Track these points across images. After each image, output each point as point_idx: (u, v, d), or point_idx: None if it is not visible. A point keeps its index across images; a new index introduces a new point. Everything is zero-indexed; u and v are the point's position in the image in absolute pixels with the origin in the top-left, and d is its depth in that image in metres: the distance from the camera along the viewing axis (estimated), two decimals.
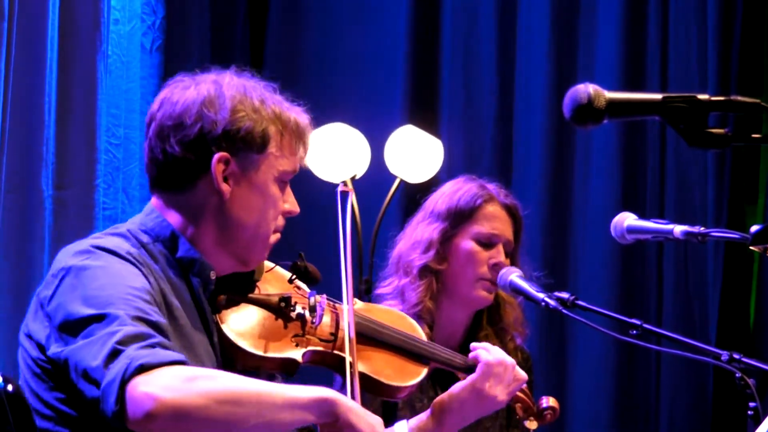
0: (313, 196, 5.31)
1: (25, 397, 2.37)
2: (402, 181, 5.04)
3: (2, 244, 4.44)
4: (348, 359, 2.62)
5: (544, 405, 3.05)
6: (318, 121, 5.07)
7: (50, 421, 2.43)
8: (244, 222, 2.59)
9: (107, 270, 2.42)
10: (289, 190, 2.66)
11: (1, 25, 4.39)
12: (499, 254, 3.56)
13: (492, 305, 3.63)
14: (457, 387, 2.96)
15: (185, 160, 2.56)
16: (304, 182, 5.25)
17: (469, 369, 3.00)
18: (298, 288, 2.75)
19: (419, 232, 3.61)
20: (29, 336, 2.46)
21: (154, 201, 2.64)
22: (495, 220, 3.59)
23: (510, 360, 2.98)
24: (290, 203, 2.66)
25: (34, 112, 4.54)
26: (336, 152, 4.92)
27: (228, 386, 2.28)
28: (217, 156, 2.55)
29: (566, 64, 5.26)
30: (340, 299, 2.73)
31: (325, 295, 2.73)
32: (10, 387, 2.37)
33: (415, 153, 5.01)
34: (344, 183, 2.73)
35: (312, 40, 5.80)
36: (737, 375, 2.73)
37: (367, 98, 5.60)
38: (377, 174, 5.06)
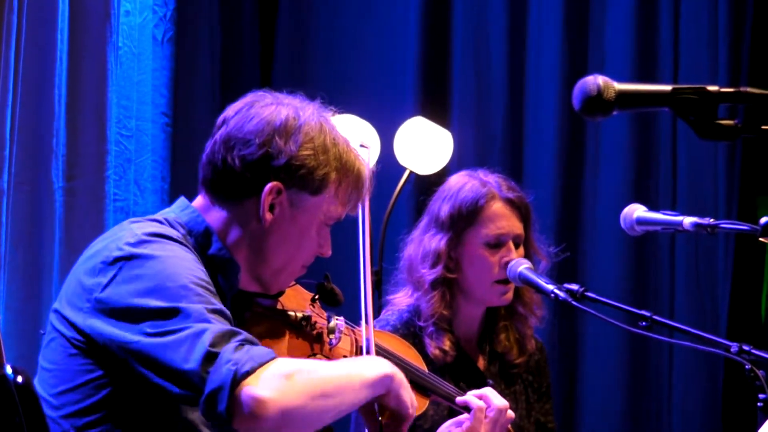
0: None
1: (33, 389, 2.38)
2: (412, 173, 5.04)
3: (13, 236, 4.44)
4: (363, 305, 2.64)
5: None
6: (332, 107, 5.10)
7: (73, 404, 2.44)
8: (275, 255, 2.61)
9: (170, 259, 2.42)
10: (327, 232, 2.67)
11: (11, 17, 4.39)
12: (509, 252, 3.54)
13: None
14: (451, 430, 3.02)
15: (241, 176, 2.57)
16: None
17: (465, 407, 3.02)
18: (314, 307, 2.76)
19: (426, 244, 3.60)
20: (64, 318, 2.46)
21: (199, 198, 2.64)
22: (499, 219, 3.57)
23: (503, 403, 3.01)
24: (325, 247, 2.67)
25: (44, 104, 4.54)
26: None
27: (319, 377, 2.35)
28: (271, 184, 2.56)
29: (577, 56, 5.25)
30: (356, 316, 2.73)
31: (343, 318, 2.74)
32: (20, 378, 2.38)
33: (424, 144, 5.00)
34: (362, 141, 2.74)
35: (322, 32, 5.80)
36: (747, 366, 2.73)
37: (378, 90, 5.60)
38: (387, 166, 5.05)
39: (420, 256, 3.60)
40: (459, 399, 3.01)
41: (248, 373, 2.26)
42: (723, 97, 1.99)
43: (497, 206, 3.57)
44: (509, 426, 3.08)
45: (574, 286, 3.16)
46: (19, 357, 4.20)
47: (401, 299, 3.63)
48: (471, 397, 3.00)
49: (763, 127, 2.04)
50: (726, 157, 4.88)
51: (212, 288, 2.42)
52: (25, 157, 4.47)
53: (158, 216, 2.61)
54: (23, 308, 4.41)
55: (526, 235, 3.62)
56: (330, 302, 2.77)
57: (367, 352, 2.68)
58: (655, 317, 2.94)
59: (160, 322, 2.33)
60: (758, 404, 2.69)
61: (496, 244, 3.55)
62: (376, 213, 5.01)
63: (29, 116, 4.49)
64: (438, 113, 5.32)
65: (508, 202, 3.58)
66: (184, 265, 2.42)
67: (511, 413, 3.03)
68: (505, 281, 3.51)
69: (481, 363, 3.61)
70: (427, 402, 2.90)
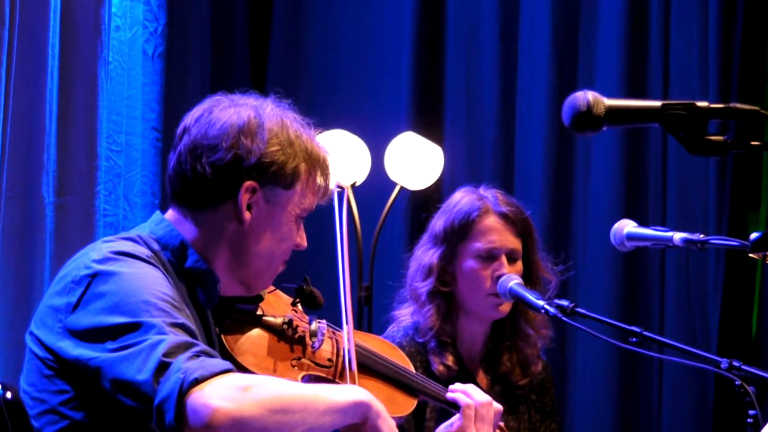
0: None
1: (23, 405, 2.37)
2: (402, 188, 5.04)
3: (3, 251, 4.43)
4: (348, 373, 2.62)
5: None
6: (319, 127, 5.12)
7: (51, 424, 2.43)
8: (259, 252, 2.61)
9: (135, 276, 2.42)
10: (302, 225, 2.68)
11: (1, 32, 4.39)
12: (502, 266, 3.55)
13: (512, 313, 3.62)
14: (446, 430, 2.99)
15: (214, 182, 2.57)
16: None
17: (453, 404, 2.99)
18: (296, 311, 2.76)
19: (421, 256, 3.63)
20: (40, 340, 2.46)
21: (169, 212, 2.64)
22: (491, 233, 3.58)
23: (488, 398, 2.99)
24: (301, 238, 2.68)
25: (35, 119, 4.53)
26: (336, 159, 4.92)
27: (279, 393, 2.30)
28: (246, 184, 2.57)
29: (567, 72, 5.26)
30: (339, 320, 2.73)
31: (325, 321, 2.74)
32: (9, 394, 2.38)
33: (415, 160, 5.01)
34: (338, 181, 2.74)
35: (314, 47, 5.80)
36: (737, 383, 2.73)
37: (369, 105, 5.60)
38: (378, 181, 5.06)
39: (415, 269, 3.63)
40: (449, 396, 2.98)
41: (197, 381, 2.22)
42: (713, 112, 1.99)
43: (490, 220, 3.58)
44: (501, 424, 3.05)
45: (565, 302, 3.16)
46: (8, 373, 4.19)
47: (405, 315, 3.64)
48: (459, 394, 2.97)
49: (753, 142, 2.05)
50: (716, 173, 4.88)
51: (177, 303, 2.40)
52: (15, 172, 4.47)
53: (131, 233, 2.61)
54: (13, 323, 4.40)
55: (528, 254, 3.62)
56: (310, 305, 2.77)
57: (348, 354, 2.66)
58: (645, 333, 2.94)
59: (121, 338, 2.32)
60: (748, 420, 2.69)
61: (488, 257, 3.56)
62: (367, 228, 5.02)
63: (20, 132, 4.48)
64: (429, 128, 5.33)
65: (502, 216, 3.59)
66: (147, 281, 2.41)
67: (498, 406, 2.99)
68: (498, 294, 3.51)
69: (484, 382, 3.61)
70: (416, 402, 2.88)
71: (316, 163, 2.65)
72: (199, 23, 5.37)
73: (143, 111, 4.94)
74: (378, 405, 2.42)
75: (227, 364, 2.28)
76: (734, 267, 4.86)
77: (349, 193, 4.94)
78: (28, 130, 4.52)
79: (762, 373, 2.73)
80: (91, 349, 2.34)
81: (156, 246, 2.58)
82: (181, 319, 2.35)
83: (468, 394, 2.97)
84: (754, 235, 2.25)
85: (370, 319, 4.90)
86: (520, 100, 5.36)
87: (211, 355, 2.30)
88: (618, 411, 5.05)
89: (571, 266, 5.05)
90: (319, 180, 2.66)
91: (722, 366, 2.78)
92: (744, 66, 4.90)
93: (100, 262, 2.44)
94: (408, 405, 2.85)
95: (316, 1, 5.85)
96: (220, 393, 2.22)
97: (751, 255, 2.27)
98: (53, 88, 4.58)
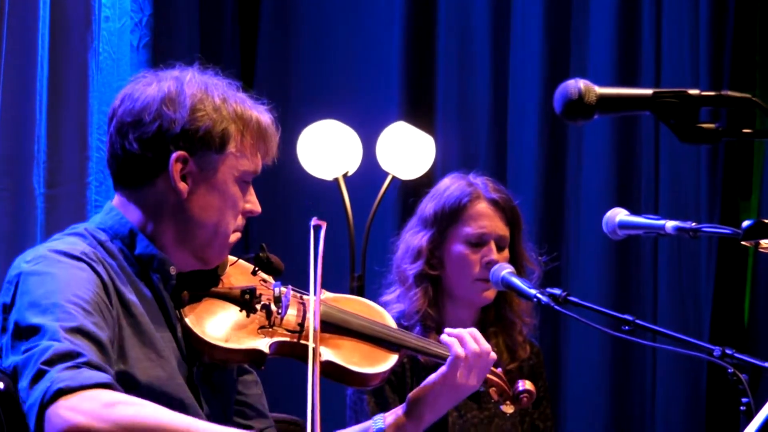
0: (298, 192, 5.33)
1: (18, 395, 2.36)
2: (394, 178, 5.03)
3: None
4: (311, 345, 2.59)
5: (520, 388, 3.02)
6: (310, 117, 5.11)
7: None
8: (203, 221, 2.58)
9: (55, 276, 2.41)
10: (251, 189, 2.65)
11: None
12: (490, 252, 3.56)
13: (498, 300, 3.62)
14: (430, 380, 2.89)
15: (143, 158, 2.56)
16: (293, 178, 5.25)
17: (441, 356, 2.91)
18: (264, 281, 2.74)
19: (410, 239, 3.63)
20: None
21: (115, 198, 2.64)
22: (481, 219, 3.59)
23: (485, 346, 2.90)
24: (251, 203, 2.65)
25: (26, 111, 4.52)
26: (328, 149, 4.92)
27: (145, 417, 2.25)
28: (174, 155, 2.55)
29: (559, 61, 5.25)
30: (307, 290, 2.69)
31: (290, 286, 2.72)
32: (1, 385, 2.37)
33: (407, 149, 5.00)
34: (316, 218, 2.69)
35: (304, 36, 5.79)
36: (730, 370, 2.73)
37: (360, 95, 5.60)
38: (369, 171, 5.05)
39: (403, 252, 3.62)
40: (442, 338, 2.89)
41: (62, 392, 2.20)
42: (704, 100, 1.99)
43: (481, 206, 3.59)
44: (494, 368, 2.97)
45: (557, 291, 3.15)
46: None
47: (392, 300, 3.63)
48: (452, 339, 2.88)
49: (745, 130, 2.04)
50: (708, 161, 4.88)
51: (91, 306, 2.38)
52: (6, 163, 4.46)
53: (80, 227, 2.60)
54: None
55: (515, 243, 3.63)
56: (270, 272, 2.74)
57: (314, 315, 2.60)
58: (638, 321, 2.94)
59: (29, 339, 2.31)
60: (741, 408, 2.68)
61: (478, 242, 3.57)
62: (359, 218, 5.02)
63: (10, 123, 4.48)
64: (421, 118, 5.32)
65: (493, 203, 3.60)
66: (66, 282, 2.40)
67: (493, 355, 2.90)
68: (486, 280, 3.51)
69: None
70: (396, 356, 2.84)
71: (248, 123, 2.60)
72: (186, 14, 5.35)
73: None
74: None
75: (103, 378, 2.26)
76: (726, 255, 4.86)
77: (341, 184, 4.94)
78: (18, 122, 4.51)
79: (754, 361, 2.73)
80: (13, 352, 2.34)
81: (103, 236, 2.57)
82: (86, 324, 2.33)
83: (462, 340, 2.89)
84: (746, 223, 2.24)
85: None
86: (512, 89, 5.35)
87: (96, 367, 2.27)
88: (611, 400, 5.06)
89: (557, 257, 5.06)
90: (255, 140, 2.61)
91: (715, 354, 2.78)
92: (735, 54, 4.90)
93: (29, 261, 2.46)
94: (387, 359, 2.80)
95: None
96: (80, 406, 2.20)
97: (743, 243, 2.27)
98: (43, 79, 4.57)
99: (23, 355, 2.31)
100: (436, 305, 3.59)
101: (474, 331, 2.93)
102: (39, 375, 2.24)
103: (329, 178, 4.94)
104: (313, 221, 2.66)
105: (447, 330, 2.94)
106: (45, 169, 4.56)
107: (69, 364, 2.25)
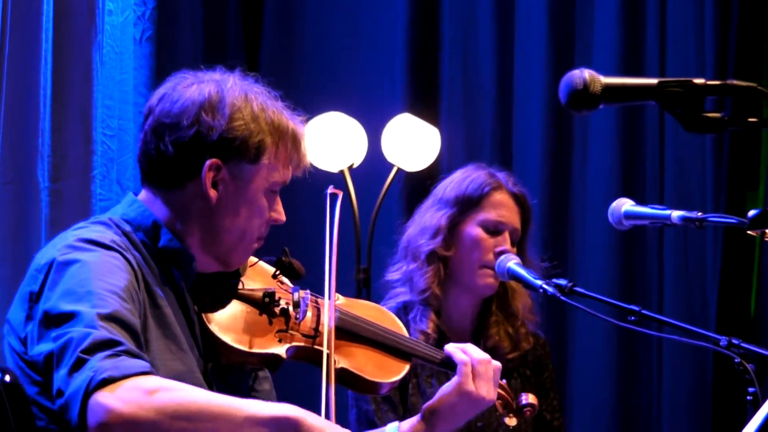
0: (305, 190, 5.32)
1: (23, 388, 2.37)
2: (399, 170, 5.03)
3: None
4: (325, 351, 2.59)
5: (524, 402, 3.02)
6: (315, 109, 5.10)
7: (37, 418, 2.42)
8: (229, 228, 2.59)
9: (88, 264, 2.41)
10: (278, 199, 2.66)
11: None
12: (505, 242, 3.58)
13: (500, 292, 3.63)
14: (445, 390, 2.90)
15: (177, 161, 2.56)
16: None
17: (449, 365, 2.92)
18: (282, 283, 2.74)
19: (428, 218, 3.64)
20: (13, 329, 2.45)
21: (142, 193, 2.63)
22: (502, 208, 3.62)
23: (486, 355, 2.92)
24: (277, 212, 2.66)
25: (30, 104, 4.52)
26: (333, 141, 4.91)
27: (187, 400, 2.26)
28: (208, 162, 2.55)
29: (564, 52, 5.24)
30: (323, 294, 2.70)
31: (309, 291, 2.72)
32: (7, 378, 2.37)
33: (412, 141, 5.00)
34: (333, 186, 2.70)
35: (308, 29, 5.78)
36: (736, 360, 2.73)
37: (365, 87, 5.59)
38: (375, 163, 5.05)
39: (420, 229, 3.63)
40: (446, 350, 2.91)
41: (106, 381, 2.21)
42: (709, 89, 1.98)
43: (502, 196, 3.63)
44: (503, 382, 2.99)
45: (563, 281, 3.15)
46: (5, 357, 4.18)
47: (396, 274, 3.63)
48: (455, 349, 2.91)
49: (750, 119, 2.04)
50: (714, 151, 4.87)
51: (125, 294, 2.38)
52: (10, 157, 4.46)
53: (104, 217, 2.60)
54: (7, 310, 4.38)
55: (521, 241, 3.65)
56: (291, 275, 2.74)
57: (328, 321, 2.63)
58: (643, 312, 2.94)
59: (61, 326, 2.31)
60: (747, 398, 2.68)
61: (494, 230, 3.59)
62: (365, 210, 5.01)
63: (14, 117, 4.47)
64: (426, 110, 5.31)
65: (514, 196, 3.65)
66: (100, 270, 2.40)
67: (496, 363, 2.92)
68: (492, 268, 3.52)
69: None
70: (408, 365, 2.85)
71: (284, 135, 2.60)
72: (189, 7, 5.35)
73: (134, 96, 4.93)
74: (312, 420, 2.32)
75: (144, 366, 2.27)
76: (732, 245, 4.85)
77: (347, 176, 4.93)
78: (22, 116, 4.50)
79: (761, 351, 2.73)
80: (44, 339, 2.34)
81: (127, 227, 2.57)
82: (122, 312, 2.33)
83: (465, 350, 2.91)
84: (752, 212, 2.24)
85: (367, 300, 4.89)
86: (518, 80, 5.34)
87: (135, 356, 2.28)
88: (617, 390, 5.05)
89: (561, 245, 5.07)
90: (289, 152, 2.62)
91: (721, 344, 2.78)
92: (741, 43, 4.89)
93: (61, 249, 2.44)
94: (399, 368, 2.81)
95: None
96: (122, 395, 2.21)
97: (749, 232, 2.26)
98: (47, 73, 4.57)
99: (56, 342, 2.30)
100: (442, 287, 3.60)
101: (471, 345, 2.94)
102: (79, 363, 2.23)
103: (334, 170, 4.94)
104: (330, 189, 2.67)
105: (448, 346, 2.94)
106: (49, 163, 4.56)
107: (109, 352, 2.25)
